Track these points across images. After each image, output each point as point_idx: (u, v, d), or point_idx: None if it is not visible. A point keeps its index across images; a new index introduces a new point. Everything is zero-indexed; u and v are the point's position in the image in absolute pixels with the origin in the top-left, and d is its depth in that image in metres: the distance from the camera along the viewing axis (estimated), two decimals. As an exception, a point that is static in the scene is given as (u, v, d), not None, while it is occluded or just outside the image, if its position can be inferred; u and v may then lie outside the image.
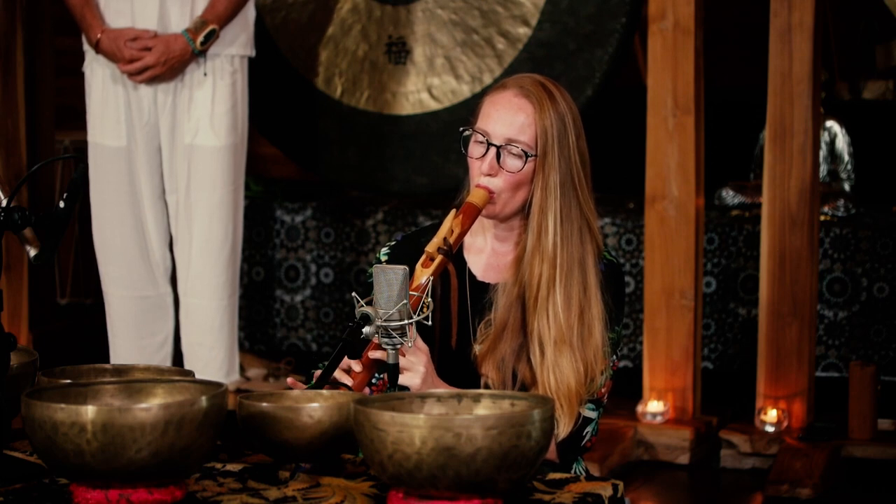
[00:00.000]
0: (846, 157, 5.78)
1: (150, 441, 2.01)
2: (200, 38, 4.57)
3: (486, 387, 2.68)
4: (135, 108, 4.67)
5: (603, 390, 2.72)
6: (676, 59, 4.69)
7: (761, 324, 4.70)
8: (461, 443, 1.99)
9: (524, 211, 2.73)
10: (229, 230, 4.75)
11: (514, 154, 2.69)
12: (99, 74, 4.70)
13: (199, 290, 4.75)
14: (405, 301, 2.38)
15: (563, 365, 2.64)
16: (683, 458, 4.69)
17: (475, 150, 2.73)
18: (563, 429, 2.65)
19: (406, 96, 5.24)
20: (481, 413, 2.16)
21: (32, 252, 2.41)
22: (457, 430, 1.99)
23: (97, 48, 4.62)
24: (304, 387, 2.46)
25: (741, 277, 5.45)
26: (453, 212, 2.66)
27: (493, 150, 2.69)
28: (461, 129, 2.76)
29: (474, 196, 2.69)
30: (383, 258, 2.82)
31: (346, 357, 2.49)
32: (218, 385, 2.16)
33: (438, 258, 2.59)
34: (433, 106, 5.21)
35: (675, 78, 4.69)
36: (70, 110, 5.72)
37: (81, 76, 4.79)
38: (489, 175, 2.69)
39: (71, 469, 2.06)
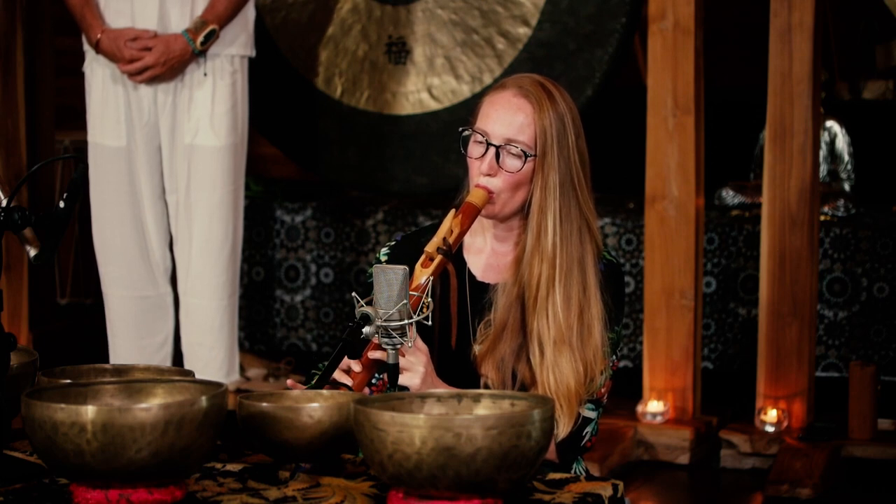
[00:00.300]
0: (846, 157, 5.78)
1: (150, 441, 2.01)
2: (200, 39, 4.57)
3: (486, 387, 2.68)
4: (135, 108, 4.67)
5: (603, 390, 2.72)
6: (676, 59, 4.69)
7: (761, 324, 4.70)
8: (461, 443, 1.99)
9: (523, 211, 2.73)
10: (229, 230, 4.75)
11: (513, 154, 2.69)
12: (99, 74, 4.70)
13: (199, 290, 4.75)
14: (405, 301, 2.38)
15: (563, 365, 2.64)
16: (683, 458, 4.69)
17: (474, 150, 2.73)
18: (562, 429, 2.65)
19: (406, 96, 5.24)
20: (481, 413, 2.16)
21: (32, 252, 2.41)
22: (457, 430, 2.00)
23: (97, 48, 4.62)
24: (304, 387, 2.46)
25: (741, 277, 5.45)
26: (453, 212, 2.66)
27: (492, 150, 2.69)
28: (460, 129, 2.76)
29: (474, 196, 2.69)
30: (383, 258, 2.82)
31: (346, 357, 2.49)
32: (218, 385, 2.16)
33: (438, 258, 2.59)
34: (433, 106, 5.21)
35: (675, 78, 4.69)
36: (70, 110, 5.72)
37: (81, 76, 4.79)
38: (488, 175, 2.69)
39: (71, 469, 2.06)
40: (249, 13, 4.75)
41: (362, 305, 2.41)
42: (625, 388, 4.86)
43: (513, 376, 2.69)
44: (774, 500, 4.34)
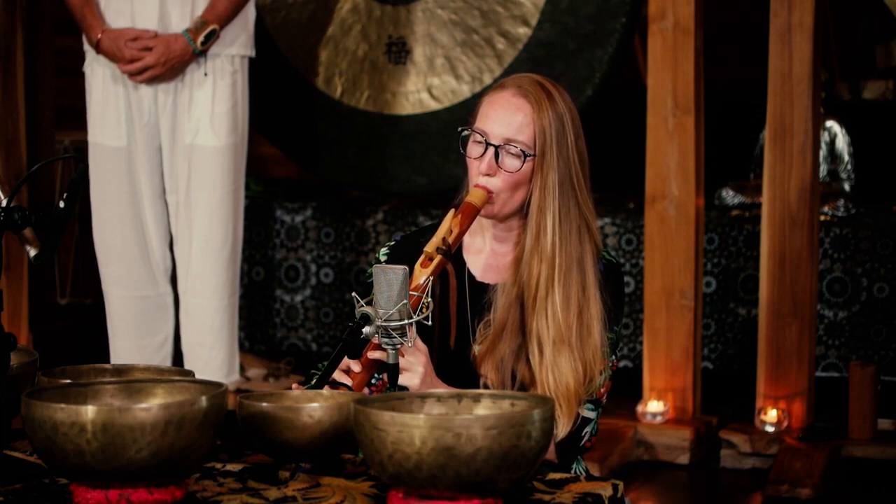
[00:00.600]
0: (846, 157, 5.78)
1: (150, 441, 2.01)
2: (201, 38, 4.57)
3: (485, 387, 2.68)
4: (135, 108, 4.67)
5: (602, 390, 2.72)
6: (676, 59, 4.69)
7: (761, 324, 4.70)
8: (461, 443, 1.99)
9: (523, 211, 2.72)
10: (229, 230, 4.75)
11: (512, 154, 2.69)
12: (99, 74, 4.70)
13: (199, 290, 4.75)
14: (405, 301, 2.38)
15: (562, 365, 2.64)
16: (683, 458, 4.69)
17: (474, 150, 2.73)
18: (561, 429, 2.64)
19: (406, 96, 5.24)
20: (481, 413, 2.16)
21: (32, 252, 2.41)
22: (457, 430, 2.00)
23: (97, 48, 4.62)
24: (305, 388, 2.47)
25: (741, 277, 5.45)
26: (452, 212, 2.66)
27: (491, 150, 2.69)
28: (459, 129, 2.76)
29: (473, 196, 2.68)
30: (383, 258, 2.82)
31: (346, 357, 2.49)
32: (218, 385, 2.16)
33: (437, 258, 2.59)
34: (433, 106, 5.21)
35: (675, 78, 4.69)
36: (70, 110, 5.71)
37: (81, 76, 4.79)
38: (488, 175, 2.69)
39: (71, 469, 2.06)
40: (250, 13, 4.75)
41: (362, 305, 2.41)
42: (625, 388, 4.86)
43: (512, 376, 2.69)
44: (774, 500, 4.34)
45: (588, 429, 2.71)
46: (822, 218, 5.35)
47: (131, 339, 4.82)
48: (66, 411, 2.02)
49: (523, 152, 2.68)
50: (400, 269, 2.38)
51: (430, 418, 2.01)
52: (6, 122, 5.20)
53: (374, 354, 2.52)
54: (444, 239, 2.61)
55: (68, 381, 2.37)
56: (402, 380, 2.53)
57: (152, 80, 4.60)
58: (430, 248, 2.60)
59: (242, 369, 5.16)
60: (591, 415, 2.71)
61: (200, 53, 4.60)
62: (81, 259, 6.18)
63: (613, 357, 2.74)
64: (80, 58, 4.76)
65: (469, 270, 2.79)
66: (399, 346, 2.41)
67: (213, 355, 4.79)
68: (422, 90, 5.21)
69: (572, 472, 2.74)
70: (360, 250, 5.79)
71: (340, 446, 2.26)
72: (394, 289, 2.37)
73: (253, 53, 4.77)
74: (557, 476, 2.31)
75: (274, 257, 5.89)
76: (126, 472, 2.03)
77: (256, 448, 2.31)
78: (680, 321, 4.75)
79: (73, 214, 2.37)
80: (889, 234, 5.34)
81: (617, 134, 5.75)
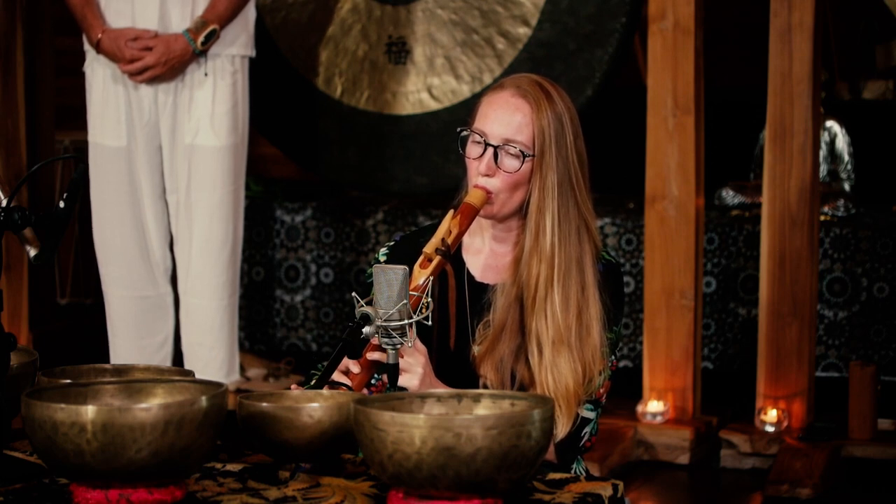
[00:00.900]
0: (846, 157, 5.78)
1: (150, 441, 2.01)
2: (201, 38, 4.57)
3: (485, 388, 2.68)
4: (135, 107, 4.67)
5: (601, 391, 2.71)
6: (676, 59, 4.69)
7: (761, 324, 4.70)
8: (461, 443, 1.99)
9: (522, 211, 2.72)
10: (229, 230, 4.75)
11: (511, 154, 2.69)
12: (100, 74, 4.70)
13: (199, 290, 4.75)
14: (405, 301, 2.38)
15: (561, 365, 2.64)
16: (683, 458, 4.69)
17: (473, 150, 2.72)
18: (561, 429, 2.64)
19: (406, 96, 5.24)
20: (481, 413, 2.16)
21: (32, 252, 2.41)
22: (457, 430, 2.00)
23: (98, 48, 4.62)
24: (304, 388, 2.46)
25: (741, 277, 5.45)
26: (451, 212, 2.66)
27: (490, 151, 2.69)
28: (458, 129, 2.76)
29: (472, 196, 2.68)
30: (382, 258, 2.82)
31: (345, 357, 2.49)
32: (218, 385, 2.16)
33: (436, 259, 2.59)
34: (433, 106, 5.21)
35: (675, 78, 4.69)
36: (70, 110, 5.71)
37: (81, 76, 4.79)
38: (487, 175, 2.69)
39: (71, 469, 2.06)
40: (250, 13, 4.75)
41: (362, 305, 2.41)
42: (625, 388, 4.86)
43: (511, 377, 2.69)
44: (774, 500, 4.34)
45: (587, 429, 2.71)
46: (822, 218, 5.35)
47: (131, 339, 4.82)
48: (66, 411, 2.02)
49: (522, 153, 2.68)
50: (400, 269, 2.38)
51: (430, 418, 2.01)
52: (6, 122, 5.20)
53: (373, 356, 2.51)
54: (443, 240, 2.61)
55: (68, 381, 2.37)
56: (402, 381, 2.53)
57: (152, 80, 4.60)
58: (429, 249, 2.60)
59: (242, 369, 5.16)
60: (591, 415, 2.71)
61: (201, 53, 4.60)
62: (81, 259, 6.18)
63: (613, 357, 2.74)
64: (80, 58, 4.76)
65: (468, 271, 2.79)
66: (399, 346, 2.41)
67: (213, 355, 4.79)
68: (422, 90, 5.21)
69: (572, 472, 2.74)
70: (360, 250, 5.80)
71: (340, 446, 2.26)
72: (394, 289, 2.37)
73: (253, 53, 4.77)
74: (557, 476, 2.31)
75: (274, 257, 5.89)
76: (126, 472, 2.03)
77: (256, 448, 2.31)
78: (680, 321, 4.75)
79: (73, 214, 2.37)
80: (889, 234, 5.34)
81: (617, 134, 5.75)
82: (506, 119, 2.69)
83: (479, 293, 2.75)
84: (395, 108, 5.25)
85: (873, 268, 5.34)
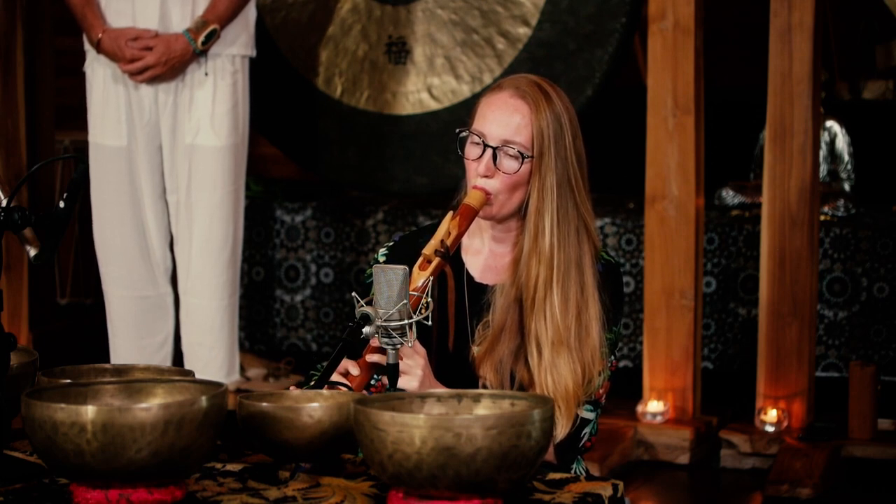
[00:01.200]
0: (846, 157, 5.78)
1: (150, 441, 2.01)
2: (201, 38, 4.57)
3: (484, 388, 2.68)
4: (136, 107, 4.67)
5: (601, 391, 2.71)
6: (676, 59, 4.69)
7: (761, 324, 4.70)
8: (461, 443, 1.99)
9: (521, 212, 2.72)
10: (230, 230, 4.75)
11: (510, 155, 2.68)
12: (100, 74, 4.70)
13: (199, 290, 4.75)
14: (405, 301, 2.38)
15: (561, 366, 2.64)
16: (683, 458, 4.69)
17: (471, 151, 2.72)
18: (560, 430, 2.64)
19: (406, 96, 5.24)
20: (481, 413, 2.16)
21: (32, 252, 2.41)
22: (457, 430, 2.00)
23: (98, 48, 4.62)
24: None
25: (741, 277, 5.45)
26: (450, 214, 2.66)
27: (489, 152, 2.69)
28: (457, 130, 2.76)
29: (471, 198, 2.68)
30: (381, 259, 2.82)
31: (345, 358, 2.49)
32: (218, 385, 2.16)
33: (436, 261, 2.59)
34: (433, 106, 5.21)
35: (675, 78, 4.69)
36: (70, 110, 5.72)
37: (81, 76, 4.79)
38: (486, 176, 2.69)
39: (71, 469, 2.06)
40: (250, 13, 4.75)
41: (362, 305, 2.41)
42: (625, 388, 4.86)
43: (511, 378, 2.69)
44: (774, 500, 4.34)
45: (587, 429, 2.71)
46: (822, 218, 5.35)
47: (131, 339, 4.82)
48: (66, 411, 2.02)
49: (521, 154, 2.68)
50: (400, 269, 2.38)
51: (430, 418, 2.01)
52: (6, 122, 5.20)
53: (372, 358, 2.51)
54: (442, 241, 2.61)
55: (68, 381, 2.37)
56: (401, 383, 2.52)
57: (153, 80, 4.60)
58: (428, 250, 2.60)
59: (242, 369, 5.16)
60: (590, 416, 2.71)
61: (201, 53, 4.60)
62: (81, 259, 6.18)
63: (612, 357, 2.74)
64: (80, 58, 4.76)
65: (468, 271, 2.79)
66: (399, 346, 2.41)
67: (213, 355, 4.79)
68: (422, 90, 5.21)
69: (572, 472, 2.74)
70: (360, 250, 5.80)
71: (340, 446, 2.26)
72: (394, 289, 2.37)
73: (254, 53, 4.77)
74: (557, 476, 2.31)
75: (274, 257, 5.89)
76: (126, 472, 2.03)
77: (256, 448, 2.31)
78: (680, 321, 4.75)
79: (73, 214, 2.37)
80: (889, 234, 5.34)
81: (617, 134, 5.75)
82: (504, 120, 2.68)
83: (479, 294, 2.75)
84: (395, 108, 5.25)
85: (873, 268, 5.34)
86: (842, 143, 5.78)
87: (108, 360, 4.77)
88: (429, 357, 2.60)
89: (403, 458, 2.01)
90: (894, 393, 4.99)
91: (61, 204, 2.34)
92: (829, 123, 5.76)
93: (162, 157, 4.73)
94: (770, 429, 4.64)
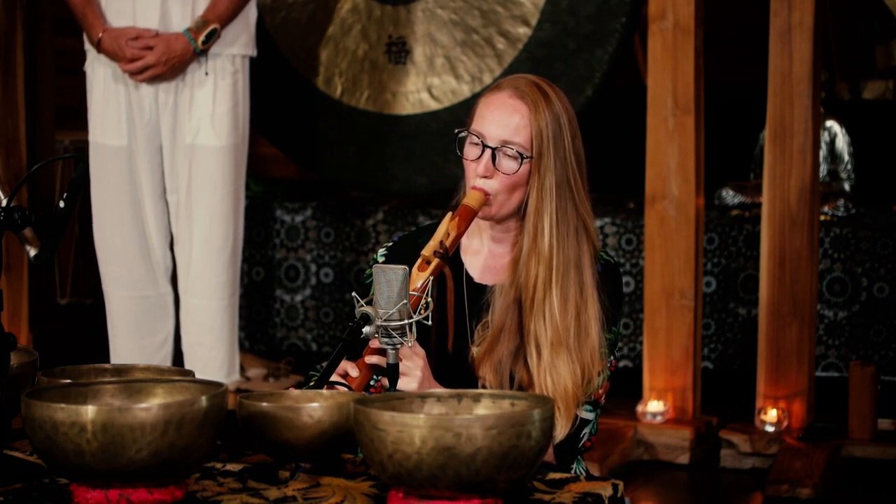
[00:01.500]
0: (846, 157, 5.78)
1: (150, 441, 2.01)
2: (202, 38, 4.57)
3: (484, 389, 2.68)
4: (136, 107, 4.67)
5: (600, 391, 2.71)
6: (676, 59, 4.69)
7: (761, 324, 4.70)
8: (461, 443, 1.99)
9: (520, 212, 2.72)
10: (230, 230, 4.75)
11: (509, 156, 2.68)
12: (100, 74, 4.70)
13: (199, 290, 4.75)
14: (405, 301, 2.38)
15: (560, 367, 2.64)
16: (683, 458, 4.69)
17: (470, 151, 2.72)
18: (560, 431, 2.64)
19: (406, 96, 5.24)
20: (481, 413, 2.16)
21: (32, 252, 2.41)
22: (457, 429, 2.00)
23: (98, 47, 4.62)
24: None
25: (741, 277, 5.45)
26: (449, 214, 2.65)
27: (488, 152, 2.68)
28: (456, 130, 2.75)
29: (470, 198, 2.68)
30: (381, 259, 2.82)
31: (345, 358, 2.49)
32: (218, 385, 2.16)
33: (435, 262, 2.59)
34: (433, 106, 5.21)
35: (675, 78, 4.69)
36: (70, 110, 5.72)
37: (81, 76, 4.79)
38: (485, 177, 2.69)
39: (71, 469, 2.06)
40: (251, 13, 4.75)
41: (362, 305, 2.41)
42: (625, 388, 4.86)
43: (510, 378, 2.68)
44: (774, 500, 4.34)
45: (587, 430, 2.71)
46: (822, 218, 5.35)
47: (131, 339, 4.82)
48: (66, 411, 2.02)
49: (520, 154, 2.67)
50: (400, 269, 2.37)
51: (430, 418, 2.01)
52: (6, 122, 5.20)
53: (371, 359, 2.51)
54: (441, 242, 2.61)
55: (68, 381, 2.37)
56: (400, 384, 2.52)
57: (153, 80, 4.60)
58: (427, 251, 2.60)
59: (242, 369, 5.16)
60: (590, 416, 2.71)
61: (201, 53, 4.60)
62: (81, 259, 6.18)
63: (612, 358, 2.73)
64: (80, 58, 4.76)
65: (467, 271, 2.78)
66: (399, 346, 2.40)
67: (213, 355, 4.79)
68: (422, 90, 5.21)
69: (572, 472, 2.74)
70: (360, 250, 5.80)
71: (340, 446, 2.26)
72: (394, 289, 2.37)
73: (254, 53, 4.77)
74: (557, 476, 2.31)
75: (274, 257, 5.89)
76: (126, 472, 2.03)
77: (256, 448, 2.31)
78: (680, 321, 4.75)
79: (73, 214, 2.37)
80: (889, 234, 5.34)
81: (617, 134, 5.75)
82: (503, 120, 2.68)
83: (478, 294, 2.74)
84: (395, 108, 5.25)
85: (873, 268, 5.34)
86: (842, 143, 5.78)
87: (108, 360, 4.77)
88: (428, 358, 2.60)
89: (403, 458, 2.01)
90: (894, 393, 4.99)
91: (61, 204, 2.34)
92: (829, 123, 5.76)
93: (162, 156, 4.73)
94: (770, 429, 4.64)
